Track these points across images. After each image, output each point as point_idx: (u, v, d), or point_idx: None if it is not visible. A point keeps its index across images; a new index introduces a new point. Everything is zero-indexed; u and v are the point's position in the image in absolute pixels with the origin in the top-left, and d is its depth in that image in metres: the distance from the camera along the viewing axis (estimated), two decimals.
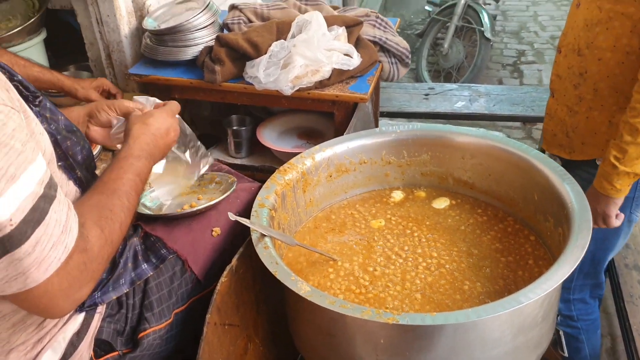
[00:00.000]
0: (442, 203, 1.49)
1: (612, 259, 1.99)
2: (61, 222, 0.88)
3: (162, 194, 1.45)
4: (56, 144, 1.03)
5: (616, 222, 1.47)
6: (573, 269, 1.01)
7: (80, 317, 1.13)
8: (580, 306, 1.79)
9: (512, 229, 1.38)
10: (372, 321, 0.97)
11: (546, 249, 1.31)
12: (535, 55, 4.99)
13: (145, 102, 1.30)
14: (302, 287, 1.04)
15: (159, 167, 1.35)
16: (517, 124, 3.94)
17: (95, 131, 1.28)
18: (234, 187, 1.42)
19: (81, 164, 1.12)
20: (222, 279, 1.18)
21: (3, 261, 0.82)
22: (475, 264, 1.28)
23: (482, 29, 4.22)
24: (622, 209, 1.49)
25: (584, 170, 1.56)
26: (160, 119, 1.19)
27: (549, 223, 1.28)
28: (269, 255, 1.13)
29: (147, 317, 1.21)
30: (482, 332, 1.00)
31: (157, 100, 1.31)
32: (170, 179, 1.43)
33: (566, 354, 1.87)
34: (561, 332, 1.83)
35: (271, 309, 1.41)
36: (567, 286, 1.75)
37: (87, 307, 1.14)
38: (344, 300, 1.02)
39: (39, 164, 0.87)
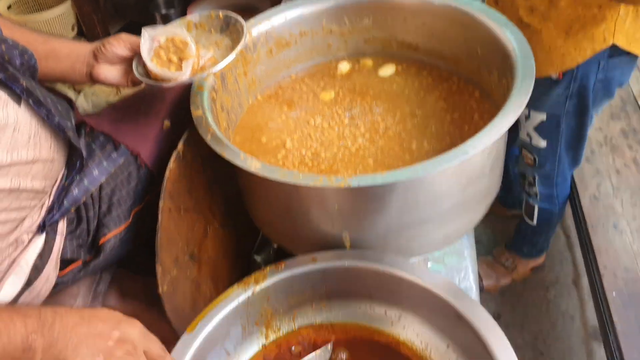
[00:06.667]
0: (388, 70, 1.46)
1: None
2: None
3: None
4: None
5: None
6: (517, 116, 1.02)
7: (41, 240, 1.08)
8: (562, 186, 1.79)
9: (456, 87, 1.37)
10: (325, 188, 0.98)
11: (491, 103, 1.31)
12: None
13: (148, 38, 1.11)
14: (252, 164, 1.02)
15: None
16: None
17: (107, 69, 1.13)
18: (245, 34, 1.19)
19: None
20: (170, 165, 1.15)
21: None
22: (420, 123, 1.28)
23: None
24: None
25: (534, 89, 1.37)
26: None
27: (493, 76, 1.28)
28: (214, 137, 1.10)
29: (106, 223, 1.18)
30: (432, 187, 1.02)
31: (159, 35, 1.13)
32: None
33: (535, 223, 1.92)
34: (536, 207, 1.85)
35: (226, 191, 1.40)
36: (550, 174, 1.70)
37: (47, 226, 1.09)
38: (296, 172, 1.01)
39: None
